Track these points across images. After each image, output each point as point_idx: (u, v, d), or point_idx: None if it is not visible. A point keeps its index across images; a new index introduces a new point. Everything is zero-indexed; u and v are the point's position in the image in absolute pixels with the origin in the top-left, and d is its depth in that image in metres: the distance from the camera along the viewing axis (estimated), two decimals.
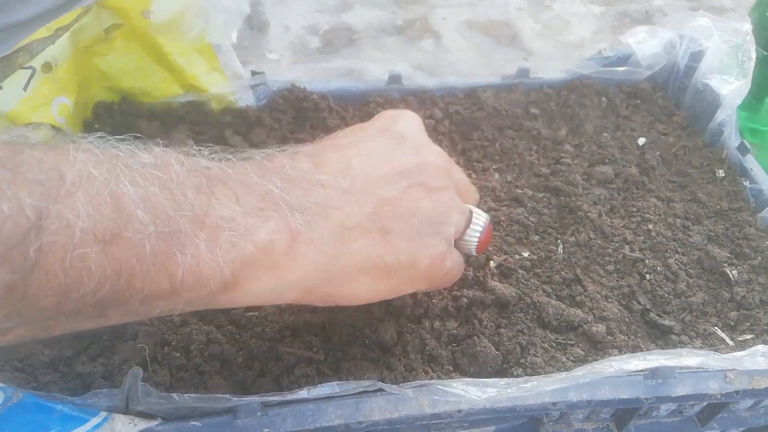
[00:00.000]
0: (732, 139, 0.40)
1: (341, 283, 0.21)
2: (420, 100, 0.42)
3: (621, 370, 0.25)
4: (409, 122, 0.25)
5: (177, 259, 0.17)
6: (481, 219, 0.24)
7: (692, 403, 0.29)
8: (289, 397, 0.23)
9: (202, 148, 0.20)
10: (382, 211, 0.21)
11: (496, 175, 0.38)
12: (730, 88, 0.40)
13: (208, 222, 0.18)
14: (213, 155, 0.20)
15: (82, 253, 0.15)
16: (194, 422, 0.23)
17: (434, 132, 0.40)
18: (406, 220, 0.22)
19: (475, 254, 0.25)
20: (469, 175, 0.37)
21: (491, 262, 0.32)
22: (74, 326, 0.17)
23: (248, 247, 0.18)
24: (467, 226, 0.24)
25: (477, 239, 0.24)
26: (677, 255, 0.34)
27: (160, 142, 0.19)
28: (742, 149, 0.39)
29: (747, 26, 0.41)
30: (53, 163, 0.16)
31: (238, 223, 0.18)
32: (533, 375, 0.26)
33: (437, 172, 0.23)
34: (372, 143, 0.23)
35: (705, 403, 0.29)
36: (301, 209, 0.20)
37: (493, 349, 0.28)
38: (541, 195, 0.37)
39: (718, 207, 0.37)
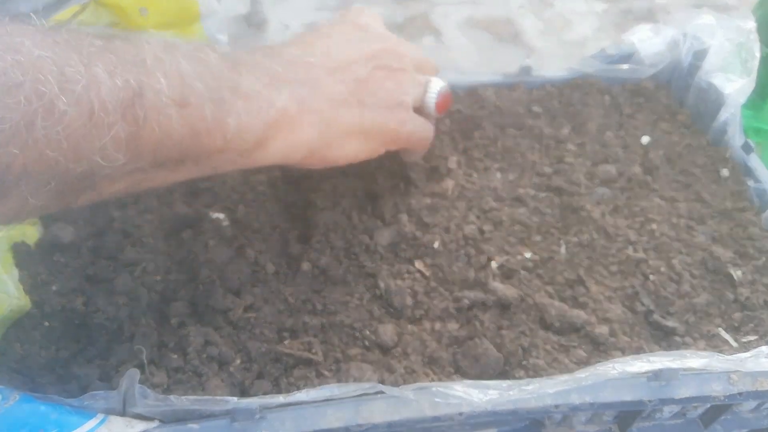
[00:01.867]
0: (736, 138, 0.39)
1: (334, 146, 0.27)
2: None
3: (624, 372, 0.25)
4: (370, 16, 0.31)
5: (227, 120, 0.22)
6: (435, 86, 0.31)
7: (695, 405, 0.29)
8: (287, 399, 0.23)
9: (218, 44, 0.27)
10: (358, 88, 0.28)
11: (498, 175, 0.37)
12: (734, 86, 0.39)
13: (241, 92, 0.23)
14: (227, 47, 0.26)
15: (168, 114, 0.20)
16: (192, 424, 0.23)
17: (434, 131, 0.39)
18: (375, 94, 0.28)
19: (435, 114, 0.31)
20: (470, 175, 0.37)
21: (493, 262, 0.32)
22: (162, 178, 0.23)
23: (272, 112, 0.24)
24: (425, 95, 0.31)
25: (434, 102, 0.31)
26: (681, 255, 0.33)
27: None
28: (746, 148, 0.39)
29: (751, 24, 0.40)
30: (136, 50, 0.21)
31: (261, 94, 0.24)
32: (535, 377, 0.26)
33: (396, 55, 0.30)
34: (343, 34, 0.29)
35: (708, 405, 0.29)
36: (301, 83, 0.26)
37: (495, 350, 0.27)
38: (544, 194, 0.36)
39: (723, 207, 0.37)
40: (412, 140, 0.31)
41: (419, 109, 0.31)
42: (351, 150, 0.28)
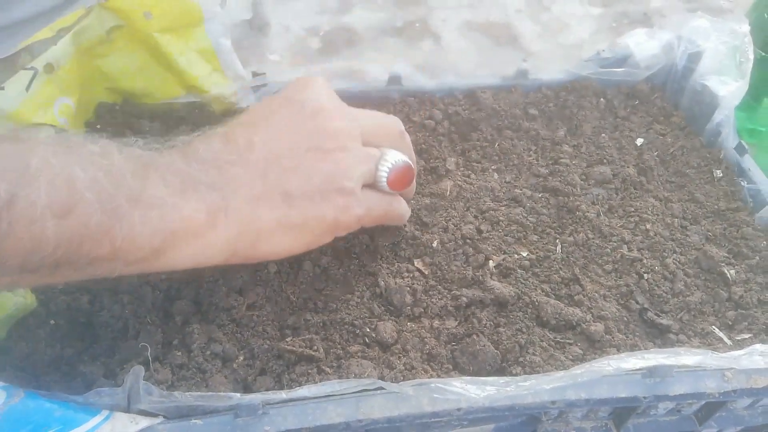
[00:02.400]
0: (730, 139, 0.40)
1: (259, 245, 0.25)
2: (419, 101, 0.42)
3: (619, 369, 0.25)
4: (313, 90, 0.28)
5: (116, 229, 0.21)
6: (387, 161, 0.28)
7: (690, 401, 0.29)
8: (289, 395, 0.24)
9: (138, 139, 0.24)
10: (284, 178, 0.25)
11: (495, 176, 0.38)
12: (728, 88, 0.40)
13: (142, 200, 0.22)
14: (146, 145, 0.24)
15: (42, 225, 0.20)
16: (196, 420, 0.23)
17: (433, 132, 0.40)
18: (306, 181, 0.25)
19: (390, 191, 0.28)
20: (468, 176, 0.38)
21: (490, 261, 0.32)
22: (34, 281, 0.22)
23: (173, 221, 0.23)
24: (376, 171, 0.27)
25: (384, 180, 0.27)
26: (675, 255, 0.34)
27: (104, 134, 0.23)
28: (740, 149, 0.39)
29: (745, 27, 0.41)
30: (21, 154, 0.20)
31: (166, 201, 0.23)
32: (532, 374, 0.26)
33: (333, 134, 0.26)
34: (275, 117, 0.27)
35: (703, 402, 0.29)
36: (215, 187, 0.24)
37: (492, 347, 0.28)
38: (540, 195, 0.37)
39: (716, 207, 0.37)
40: (368, 222, 0.28)
41: (374, 186, 0.28)
42: (282, 246, 0.26)
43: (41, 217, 0.19)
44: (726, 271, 0.33)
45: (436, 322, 0.29)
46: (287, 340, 0.28)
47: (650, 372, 0.26)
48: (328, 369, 0.26)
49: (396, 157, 0.28)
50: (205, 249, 0.24)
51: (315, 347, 0.27)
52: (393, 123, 0.30)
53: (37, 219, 0.19)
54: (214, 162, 0.25)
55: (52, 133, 0.22)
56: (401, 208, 0.30)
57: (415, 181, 0.31)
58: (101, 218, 0.21)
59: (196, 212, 0.23)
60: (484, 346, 0.27)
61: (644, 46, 0.44)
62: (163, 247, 0.23)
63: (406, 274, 0.31)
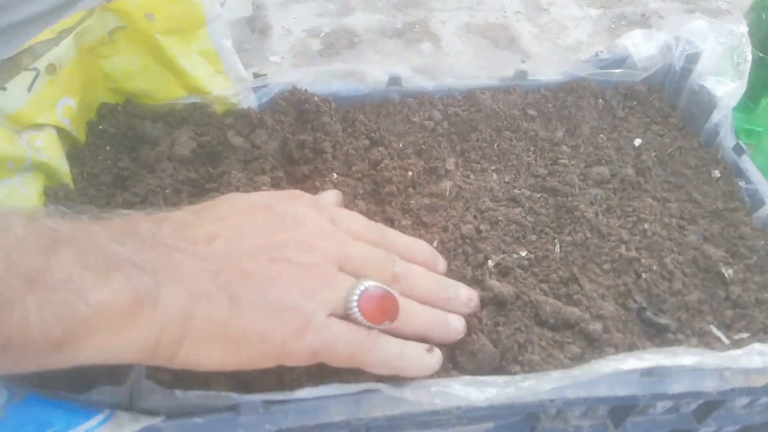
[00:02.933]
0: (727, 140, 0.40)
1: (182, 351, 0.21)
2: (419, 102, 0.42)
3: (617, 369, 0.25)
4: (298, 203, 0.24)
5: (4, 318, 0.17)
6: (360, 286, 0.23)
7: (688, 400, 0.29)
8: (290, 395, 0.24)
9: (60, 208, 0.20)
10: (236, 282, 0.21)
11: (494, 176, 0.38)
12: (726, 89, 0.40)
13: (42, 283, 0.18)
14: (69, 217, 0.20)
15: None
16: (197, 419, 0.23)
17: (433, 133, 0.40)
18: (259, 291, 0.21)
19: (368, 324, 0.23)
20: (467, 176, 0.38)
21: (489, 261, 0.32)
22: None
23: (81, 306, 0.18)
24: (345, 299, 0.23)
25: (354, 308, 0.23)
26: (673, 254, 0.34)
27: (11, 208, 0.19)
28: (738, 150, 0.40)
29: (743, 28, 0.41)
30: None
31: (74, 283, 0.18)
32: (531, 372, 0.27)
33: (306, 248, 0.23)
34: (247, 217, 0.23)
35: (701, 401, 0.29)
36: (150, 271, 0.20)
37: (492, 346, 0.28)
38: (539, 195, 0.37)
39: (714, 207, 0.38)
40: (331, 359, 0.23)
41: (348, 318, 0.23)
42: (209, 359, 0.21)
43: None
44: (724, 271, 0.33)
45: None
46: None
47: (649, 371, 0.26)
48: (328, 367, 0.26)
49: (367, 284, 0.23)
50: (118, 344, 0.20)
51: None
52: (385, 259, 0.25)
53: None
54: (156, 244, 0.21)
55: None
56: (384, 352, 0.23)
57: (420, 321, 0.25)
58: None
59: (115, 296, 0.19)
60: (483, 344, 0.28)
61: (642, 47, 0.44)
62: (64, 340, 0.18)
63: None
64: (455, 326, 0.26)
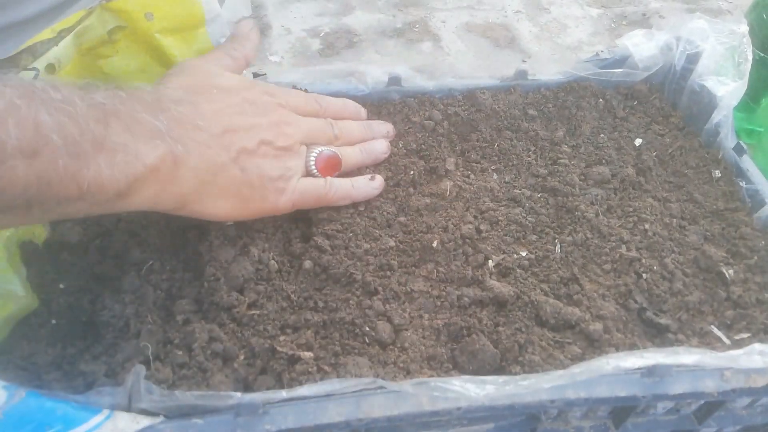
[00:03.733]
0: (728, 139, 0.40)
1: (206, 203, 0.28)
2: (419, 102, 0.42)
3: (618, 368, 0.25)
4: (262, 89, 0.32)
5: (84, 172, 0.23)
6: (313, 153, 0.33)
7: (689, 401, 0.29)
8: (290, 394, 0.24)
9: (99, 85, 0.25)
10: (242, 156, 0.29)
11: (495, 176, 0.38)
12: (727, 89, 0.40)
13: (106, 145, 0.23)
14: (108, 92, 0.25)
15: (12, 165, 0.21)
16: (196, 419, 0.23)
17: (433, 133, 0.40)
18: (258, 165, 0.30)
19: (321, 175, 0.33)
20: (468, 176, 0.38)
21: (490, 261, 0.32)
22: (8, 222, 0.24)
23: (139, 166, 0.24)
24: (306, 163, 0.33)
25: (314, 167, 0.33)
26: (674, 254, 0.34)
27: (66, 82, 0.24)
28: (738, 150, 0.40)
29: (743, 28, 0.41)
30: None
31: (130, 148, 0.24)
32: (531, 373, 0.27)
33: (285, 134, 0.31)
34: (234, 104, 0.30)
35: (702, 402, 0.29)
36: (182, 142, 0.26)
37: (492, 347, 0.28)
38: (539, 195, 0.37)
39: (715, 207, 0.37)
40: (304, 203, 0.32)
41: (310, 174, 0.33)
42: (224, 210, 0.29)
43: (11, 157, 0.20)
44: (724, 271, 0.33)
45: (436, 321, 0.29)
46: (287, 339, 0.28)
47: (649, 371, 0.26)
48: (327, 368, 0.26)
49: (318, 150, 0.33)
50: (162, 195, 0.26)
51: (315, 346, 0.27)
52: (325, 126, 0.35)
53: (6, 159, 0.20)
54: (182, 121, 0.27)
55: (14, 79, 0.23)
56: (341, 190, 0.33)
57: (361, 164, 0.36)
58: (68, 161, 0.22)
59: (162, 161, 0.25)
60: (483, 345, 0.28)
61: (643, 47, 0.44)
62: (127, 191, 0.24)
63: None
64: (380, 148, 0.37)
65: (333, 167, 0.34)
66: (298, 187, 0.32)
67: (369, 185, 0.35)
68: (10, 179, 0.21)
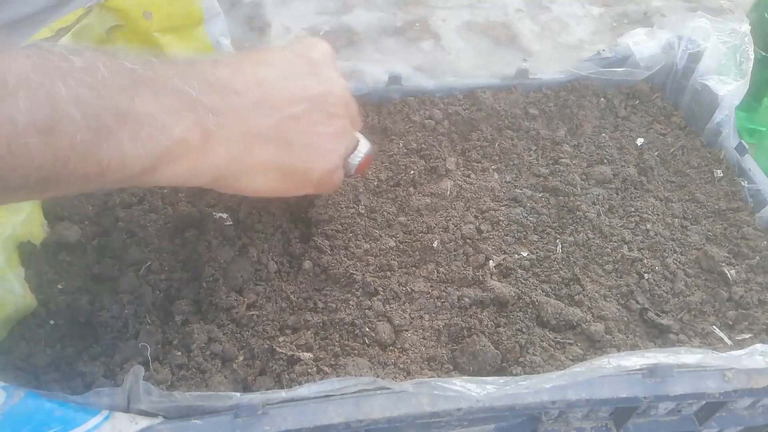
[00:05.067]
0: (730, 139, 0.40)
1: (243, 178, 0.26)
2: (419, 101, 0.42)
3: (619, 367, 0.25)
4: (323, 53, 0.29)
5: (104, 148, 0.21)
6: (364, 147, 0.30)
7: (690, 401, 0.29)
8: (289, 394, 0.23)
9: (129, 51, 0.23)
10: (286, 126, 0.26)
11: (495, 176, 0.38)
12: (729, 88, 0.40)
13: (130, 118, 0.21)
14: (138, 56, 0.23)
15: (25, 142, 0.19)
16: (195, 420, 0.23)
17: (433, 132, 0.40)
18: (305, 136, 0.26)
19: (352, 174, 0.30)
20: (468, 176, 0.38)
21: (490, 261, 0.32)
22: (24, 197, 0.22)
23: (164, 141, 0.22)
24: (353, 151, 0.29)
25: (358, 162, 0.30)
26: (675, 254, 0.34)
27: (89, 46, 0.22)
28: (740, 149, 0.39)
29: (745, 27, 0.41)
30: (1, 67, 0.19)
31: (157, 120, 0.22)
32: (532, 374, 0.26)
33: (338, 102, 0.27)
34: (288, 65, 0.27)
35: (703, 402, 0.29)
36: (215, 111, 0.24)
37: (493, 347, 0.28)
38: (540, 195, 0.37)
39: (717, 207, 0.37)
40: (328, 190, 0.30)
41: (347, 166, 0.30)
42: (262, 186, 0.26)
43: (23, 134, 0.19)
44: (726, 271, 0.33)
45: (436, 321, 0.29)
46: (287, 339, 0.28)
47: (651, 372, 0.26)
48: (327, 368, 0.26)
49: (369, 146, 0.30)
50: (193, 170, 0.24)
51: (314, 347, 0.27)
52: (359, 117, 0.31)
53: (18, 135, 0.19)
54: (218, 86, 0.24)
55: (30, 47, 0.20)
56: (337, 187, 0.31)
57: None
58: (87, 136, 0.20)
59: (190, 133, 0.23)
60: (484, 346, 0.27)
61: (644, 45, 0.44)
62: (153, 166, 0.23)
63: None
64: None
65: (364, 169, 0.31)
66: (339, 171, 0.28)
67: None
68: (24, 157, 0.19)
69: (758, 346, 0.27)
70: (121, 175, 0.22)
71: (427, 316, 0.30)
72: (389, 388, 0.24)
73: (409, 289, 0.30)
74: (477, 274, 0.31)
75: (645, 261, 0.33)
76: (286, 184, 0.27)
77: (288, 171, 0.26)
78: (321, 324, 0.29)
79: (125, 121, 0.21)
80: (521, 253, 0.33)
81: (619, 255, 0.33)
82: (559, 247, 0.34)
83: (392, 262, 0.32)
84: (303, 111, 0.26)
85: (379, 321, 0.29)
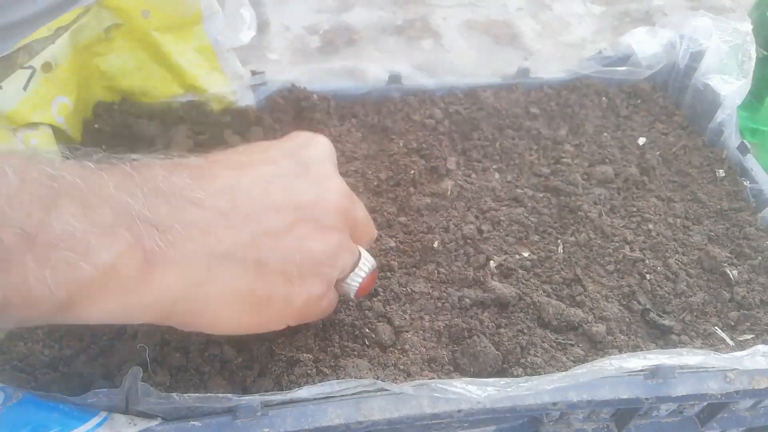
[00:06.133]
0: (732, 138, 0.40)
1: (204, 312, 0.20)
2: (420, 100, 0.42)
3: (621, 369, 0.25)
4: (319, 149, 0.23)
5: (1, 277, 0.16)
6: (366, 265, 0.24)
7: (692, 403, 0.29)
8: (288, 396, 0.23)
9: (66, 152, 0.19)
10: (262, 242, 0.20)
11: (496, 175, 0.38)
12: (731, 87, 0.40)
13: (40, 239, 0.16)
14: (75, 162, 0.18)
15: None
16: (194, 422, 0.23)
17: (434, 132, 0.40)
18: (287, 255, 0.20)
19: (352, 298, 0.25)
20: (469, 175, 0.37)
21: (491, 262, 0.32)
22: None
23: (86, 268, 0.17)
24: (352, 270, 0.23)
25: (358, 285, 0.24)
26: (677, 255, 0.34)
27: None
28: (743, 149, 0.39)
29: (747, 26, 0.41)
30: None
31: (78, 241, 0.17)
32: (533, 375, 0.26)
33: (333, 210, 0.22)
34: (271, 167, 0.21)
35: (705, 403, 0.29)
36: (163, 228, 0.18)
37: (493, 349, 0.28)
38: (541, 195, 0.37)
39: (719, 207, 0.37)
40: (316, 318, 0.24)
41: (336, 283, 0.24)
42: (228, 321, 0.21)
43: None
44: (728, 272, 0.33)
45: (437, 322, 0.29)
46: (286, 341, 0.27)
47: (652, 373, 0.26)
48: (326, 370, 0.26)
49: (372, 263, 0.24)
50: (129, 307, 0.19)
51: (314, 348, 0.27)
52: (372, 226, 0.25)
53: None
54: (171, 196, 0.19)
55: None
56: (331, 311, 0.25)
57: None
58: None
59: (123, 258, 0.18)
60: (485, 347, 0.27)
61: (646, 44, 0.44)
62: (69, 302, 0.17)
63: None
64: None
65: (367, 291, 0.25)
66: (331, 298, 0.23)
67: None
68: None
69: (760, 347, 0.27)
70: (26, 313, 0.17)
71: (427, 317, 0.29)
72: (389, 390, 0.24)
73: (409, 290, 0.30)
74: (478, 274, 0.31)
75: (647, 261, 0.33)
76: (260, 317, 0.21)
77: (261, 301, 0.20)
78: (320, 325, 0.28)
79: (33, 243, 0.16)
80: (522, 253, 0.33)
81: (621, 255, 0.33)
82: (560, 248, 0.33)
83: (392, 262, 0.31)
84: (287, 224, 0.20)
85: (379, 322, 0.29)
